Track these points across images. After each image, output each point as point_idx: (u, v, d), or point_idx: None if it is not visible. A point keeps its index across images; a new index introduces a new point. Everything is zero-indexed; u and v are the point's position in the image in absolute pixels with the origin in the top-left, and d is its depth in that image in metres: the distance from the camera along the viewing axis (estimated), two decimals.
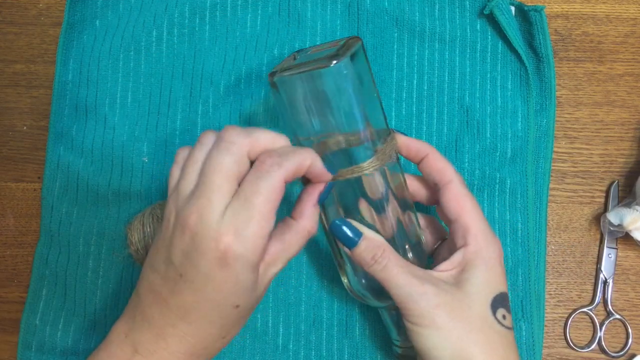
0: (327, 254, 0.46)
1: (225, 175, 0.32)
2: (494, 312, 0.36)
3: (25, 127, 0.50)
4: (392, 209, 0.39)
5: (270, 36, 0.49)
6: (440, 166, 0.39)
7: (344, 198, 0.39)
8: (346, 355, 0.45)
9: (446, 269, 0.37)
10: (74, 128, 0.48)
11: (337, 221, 0.37)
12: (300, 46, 0.49)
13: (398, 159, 0.40)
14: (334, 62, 0.33)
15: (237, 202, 0.31)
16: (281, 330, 0.45)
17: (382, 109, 0.38)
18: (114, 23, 0.49)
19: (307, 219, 0.35)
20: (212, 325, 0.34)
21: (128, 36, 0.49)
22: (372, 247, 0.36)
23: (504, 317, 0.36)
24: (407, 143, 0.40)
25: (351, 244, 0.37)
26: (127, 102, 0.48)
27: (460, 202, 0.38)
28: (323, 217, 0.40)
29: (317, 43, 0.49)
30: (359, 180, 0.38)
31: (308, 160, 0.33)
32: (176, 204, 0.33)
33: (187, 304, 0.33)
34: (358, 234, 0.37)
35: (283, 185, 0.32)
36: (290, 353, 0.45)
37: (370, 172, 0.37)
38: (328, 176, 0.35)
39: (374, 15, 0.49)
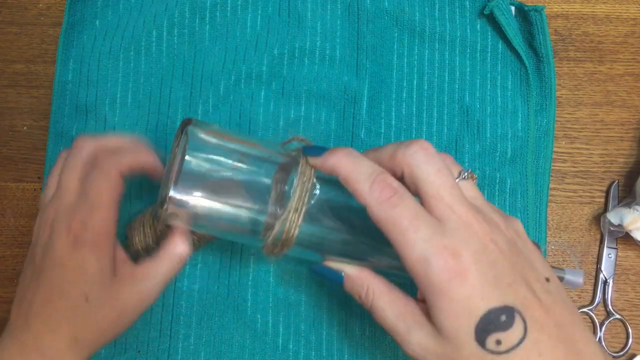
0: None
1: (72, 175, 0.37)
2: (484, 345, 0.29)
3: (25, 127, 0.50)
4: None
5: (271, 36, 0.49)
6: (351, 179, 0.32)
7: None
8: (346, 356, 0.45)
9: (421, 298, 0.32)
10: (74, 128, 0.48)
11: (314, 267, 0.36)
12: (301, 46, 0.49)
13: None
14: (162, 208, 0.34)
15: (80, 197, 0.36)
16: (281, 330, 0.45)
17: (269, 142, 0.36)
18: (114, 23, 0.49)
19: (175, 245, 0.38)
20: (65, 321, 0.35)
21: (128, 36, 0.49)
22: (356, 287, 0.34)
23: (497, 342, 0.29)
24: (318, 165, 0.34)
25: (338, 284, 0.35)
26: (127, 102, 0.48)
27: (385, 220, 0.31)
28: None
29: (318, 43, 0.49)
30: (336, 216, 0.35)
31: (142, 155, 0.38)
32: (43, 206, 0.38)
33: (42, 300, 0.35)
34: (339, 276, 0.35)
35: (117, 178, 0.36)
36: (290, 353, 0.45)
37: (313, 175, 0.33)
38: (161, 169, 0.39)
39: (374, 15, 0.49)
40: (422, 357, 0.31)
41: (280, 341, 0.45)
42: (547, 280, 0.31)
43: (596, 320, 0.48)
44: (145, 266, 0.37)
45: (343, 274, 0.35)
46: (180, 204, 0.33)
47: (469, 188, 0.33)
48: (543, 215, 0.48)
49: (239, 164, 0.34)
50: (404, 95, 0.49)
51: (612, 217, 0.46)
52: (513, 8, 0.49)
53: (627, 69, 0.51)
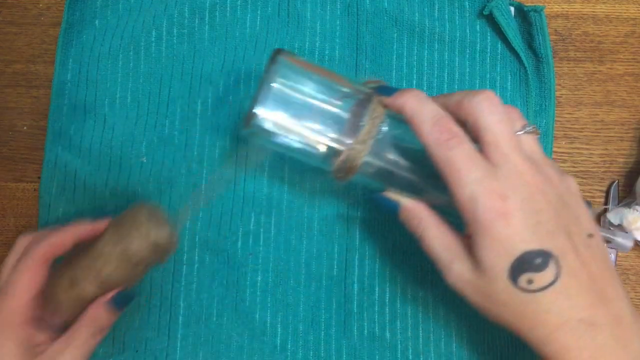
0: (327, 255, 0.46)
1: (5, 268, 0.39)
2: (516, 281, 0.32)
3: (25, 127, 0.50)
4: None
5: (270, 36, 0.49)
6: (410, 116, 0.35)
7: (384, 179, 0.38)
8: (344, 356, 0.45)
9: (467, 234, 0.34)
10: (72, 127, 0.48)
11: (374, 196, 0.38)
12: (300, 46, 0.49)
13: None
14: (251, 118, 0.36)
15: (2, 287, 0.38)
16: (279, 330, 0.45)
17: (347, 78, 0.38)
18: (114, 23, 0.49)
19: (86, 322, 0.38)
20: None
21: (127, 36, 0.49)
22: (408, 218, 0.37)
23: (529, 281, 0.32)
24: (388, 103, 0.36)
25: (394, 212, 0.37)
26: (127, 102, 0.48)
27: (441, 158, 0.33)
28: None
29: (317, 43, 0.49)
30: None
31: (68, 236, 0.39)
32: None
33: None
34: (395, 206, 0.37)
35: (36, 264, 0.38)
36: (289, 353, 0.45)
37: (383, 111, 0.36)
38: (95, 228, 0.40)
39: (374, 15, 0.49)
40: (460, 286, 0.34)
41: (279, 341, 0.45)
42: (590, 236, 0.33)
43: None
44: (54, 349, 0.38)
45: (400, 204, 0.37)
46: (262, 121, 0.36)
47: (530, 142, 0.34)
48: None
49: (320, 95, 0.37)
50: None
51: (612, 217, 0.46)
52: (512, 8, 0.49)
53: (627, 69, 0.51)
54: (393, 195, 0.38)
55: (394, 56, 0.49)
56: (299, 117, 0.36)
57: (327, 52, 0.49)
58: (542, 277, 0.32)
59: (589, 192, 0.49)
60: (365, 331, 0.46)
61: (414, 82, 0.49)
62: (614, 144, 0.50)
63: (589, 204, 0.36)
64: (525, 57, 0.48)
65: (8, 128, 0.50)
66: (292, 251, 0.46)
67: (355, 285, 0.46)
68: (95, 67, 0.48)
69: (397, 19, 0.49)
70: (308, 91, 0.37)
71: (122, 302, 0.39)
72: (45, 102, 0.50)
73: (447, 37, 0.49)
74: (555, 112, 0.49)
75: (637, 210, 0.45)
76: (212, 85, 0.48)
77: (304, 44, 0.49)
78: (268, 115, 0.36)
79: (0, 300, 0.37)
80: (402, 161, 0.37)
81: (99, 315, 0.38)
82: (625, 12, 0.52)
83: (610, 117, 0.50)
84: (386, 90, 0.36)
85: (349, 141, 0.36)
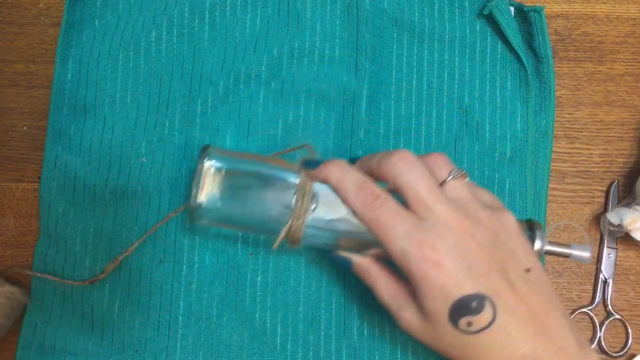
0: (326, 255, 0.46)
1: None
2: (457, 325, 0.33)
3: (25, 127, 0.50)
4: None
5: (270, 36, 0.49)
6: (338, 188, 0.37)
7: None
8: (344, 356, 0.45)
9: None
10: (72, 127, 0.48)
11: (329, 255, 0.41)
12: (300, 46, 0.49)
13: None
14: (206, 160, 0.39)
15: None
16: (279, 330, 0.45)
17: (276, 158, 0.41)
18: (114, 23, 0.49)
19: None
20: None
21: (127, 36, 0.49)
22: (360, 272, 0.39)
23: (469, 324, 0.33)
24: (314, 176, 0.38)
25: (347, 268, 0.40)
26: (127, 102, 0.48)
27: (367, 216, 0.35)
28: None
29: (317, 43, 0.49)
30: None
31: None
32: None
33: None
34: (347, 263, 0.40)
35: None
36: (288, 353, 0.45)
37: (301, 222, 0.38)
38: None
39: (374, 15, 0.49)
40: (410, 331, 0.36)
41: (279, 341, 0.45)
42: (528, 270, 0.34)
43: (596, 320, 0.48)
44: None
45: (351, 260, 0.40)
46: (203, 216, 0.39)
47: (456, 187, 0.36)
48: (542, 216, 0.48)
49: (253, 179, 0.40)
50: (403, 95, 0.49)
51: (612, 217, 0.46)
52: (512, 8, 0.49)
53: (627, 69, 0.51)
54: (344, 253, 0.40)
55: (394, 56, 0.49)
56: (237, 207, 0.39)
57: (327, 52, 0.49)
58: (480, 319, 0.33)
59: (589, 192, 0.49)
60: (365, 331, 0.46)
61: (414, 82, 0.49)
62: (614, 144, 0.50)
63: (535, 228, 0.39)
64: (525, 57, 0.48)
65: (8, 128, 0.50)
66: (292, 251, 0.46)
67: (355, 285, 0.46)
68: (95, 67, 0.48)
69: (397, 19, 0.49)
70: (242, 180, 0.40)
71: None
72: (46, 102, 0.50)
73: (447, 37, 0.49)
74: (555, 112, 0.49)
75: (637, 210, 0.45)
76: (212, 85, 0.48)
77: (304, 44, 0.49)
78: (206, 213, 0.39)
79: None
80: (341, 224, 0.38)
81: None
82: (625, 12, 0.52)
83: (610, 117, 0.50)
84: (311, 164, 0.38)
85: (285, 219, 0.38)
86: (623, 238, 0.48)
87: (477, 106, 0.48)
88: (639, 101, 0.51)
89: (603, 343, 0.47)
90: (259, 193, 0.39)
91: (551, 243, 0.40)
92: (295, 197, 0.38)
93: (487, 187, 0.47)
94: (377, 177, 0.37)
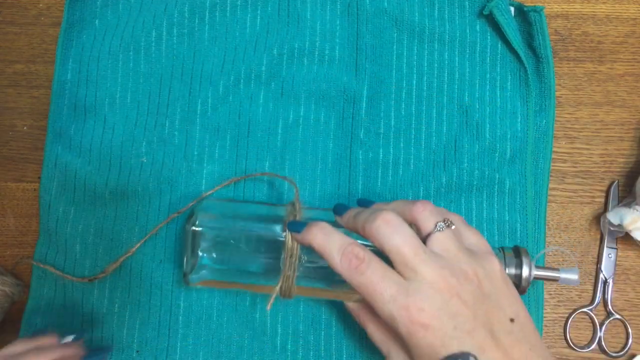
0: None
1: None
2: None
3: (25, 127, 0.50)
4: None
5: (270, 36, 0.49)
6: (322, 250, 0.38)
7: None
8: (344, 356, 0.45)
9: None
10: (72, 127, 0.48)
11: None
12: (300, 46, 0.49)
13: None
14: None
15: None
16: (279, 330, 0.45)
17: (258, 222, 0.41)
18: (114, 23, 0.49)
19: None
20: None
21: (127, 36, 0.49)
22: (354, 316, 0.41)
23: None
24: (299, 240, 0.39)
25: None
26: (127, 102, 0.48)
27: (359, 283, 0.35)
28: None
29: (317, 43, 0.49)
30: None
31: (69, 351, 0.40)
32: None
33: None
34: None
35: None
36: (289, 353, 0.45)
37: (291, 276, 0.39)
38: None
39: (374, 15, 0.49)
40: None
41: (279, 341, 0.45)
42: (512, 320, 0.35)
43: (596, 320, 0.48)
44: None
45: (346, 305, 0.42)
46: (196, 275, 0.40)
47: (442, 239, 0.36)
48: (542, 216, 0.48)
49: (242, 236, 0.40)
50: (403, 95, 0.49)
51: (612, 217, 0.46)
52: (512, 8, 0.49)
53: (627, 69, 0.51)
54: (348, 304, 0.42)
55: (394, 56, 0.49)
56: (229, 264, 0.40)
57: (327, 52, 0.49)
58: None
59: (589, 192, 0.49)
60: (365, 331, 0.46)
61: (414, 82, 0.49)
62: (614, 144, 0.50)
63: (522, 255, 0.40)
64: (525, 57, 0.48)
65: (8, 128, 0.50)
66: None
67: None
68: (95, 67, 0.48)
69: (397, 19, 0.49)
70: (230, 239, 0.40)
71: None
72: (46, 102, 0.50)
73: (447, 37, 0.49)
74: (555, 112, 0.49)
75: (637, 210, 0.45)
76: (212, 85, 0.48)
77: (304, 44, 0.49)
78: (199, 277, 0.40)
79: None
80: (329, 280, 0.40)
81: None
82: (625, 12, 0.52)
83: (610, 117, 0.50)
84: (295, 226, 0.39)
85: (275, 279, 0.39)
86: (623, 238, 0.48)
87: (477, 106, 0.48)
88: (639, 101, 0.51)
89: (603, 343, 0.47)
90: (249, 249, 0.40)
91: (539, 268, 0.40)
92: (282, 258, 0.39)
93: (487, 187, 0.47)
94: (362, 236, 0.37)
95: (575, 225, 0.49)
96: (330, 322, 0.46)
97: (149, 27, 0.49)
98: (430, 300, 0.34)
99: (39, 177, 0.48)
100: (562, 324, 0.48)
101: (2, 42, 0.51)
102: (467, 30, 0.49)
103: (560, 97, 0.51)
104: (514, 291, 0.37)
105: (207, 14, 0.49)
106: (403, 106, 0.49)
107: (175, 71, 0.48)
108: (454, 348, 0.33)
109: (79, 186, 0.47)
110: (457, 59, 0.49)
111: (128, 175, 0.47)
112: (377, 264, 0.35)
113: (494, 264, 0.36)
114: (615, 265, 0.48)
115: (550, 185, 0.49)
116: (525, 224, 0.47)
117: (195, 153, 0.47)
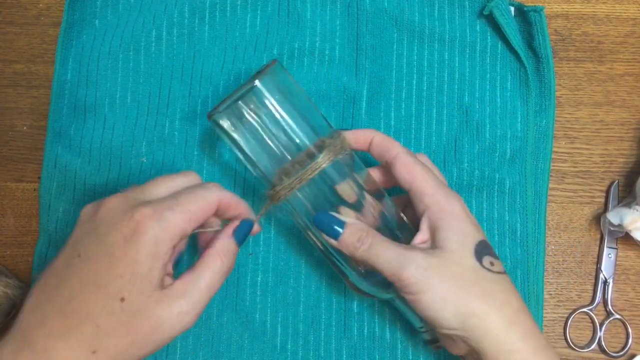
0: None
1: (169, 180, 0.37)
2: (481, 261, 0.36)
3: (25, 127, 0.50)
4: (370, 204, 0.40)
5: (270, 36, 0.49)
6: (385, 144, 0.40)
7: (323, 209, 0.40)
8: (344, 356, 0.45)
9: (422, 239, 0.38)
10: (72, 127, 0.48)
11: (319, 214, 0.39)
12: (300, 46, 0.49)
13: (352, 155, 0.40)
14: (257, 81, 0.37)
15: (170, 197, 0.35)
16: (279, 330, 0.45)
17: (322, 114, 0.40)
18: (114, 23, 0.49)
19: (217, 252, 0.36)
20: (88, 322, 0.31)
21: (127, 36, 0.49)
22: (356, 231, 0.38)
23: (491, 263, 0.36)
24: (353, 135, 0.41)
25: (336, 234, 0.38)
26: (127, 101, 0.48)
27: (410, 170, 0.39)
28: (312, 235, 0.41)
29: (317, 43, 0.49)
30: (332, 190, 0.39)
31: (238, 207, 0.38)
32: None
33: (72, 292, 0.32)
34: (341, 224, 0.38)
35: (213, 205, 0.36)
36: (289, 353, 0.45)
37: (327, 164, 0.38)
38: (240, 208, 0.38)
39: (374, 15, 0.49)
40: (425, 277, 0.35)
41: (279, 341, 0.45)
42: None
43: (596, 320, 0.48)
44: (184, 281, 0.34)
45: (346, 221, 0.38)
46: (229, 118, 0.39)
47: None
48: (542, 216, 0.48)
49: (286, 125, 0.39)
50: (404, 95, 0.49)
51: (612, 217, 0.46)
52: (512, 8, 0.49)
53: (627, 69, 0.51)
54: (338, 215, 0.39)
55: (394, 56, 0.49)
56: (264, 132, 0.39)
57: (327, 52, 0.49)
58: (499, 263, 0.37)
59: (589, 192, 0.49)
60: (365, 331, 0.46)
61: (414, 82, 0.49)
62: (614, 144, 0.50)
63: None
64: (525, 57, 0.48)
65: (8, 128, 0.50)
66: (292, 251, 0.46)
67: None
68: (95, 67, 0.48)
69: (397, 19, 0.49)
70: (278, 116, 0.38)
71: (243, 232, 0.38)
72: (46, 102, 0.50)
73: (447, 37, 0.49)
74: (555, 112, 0.49)
75: (637, 210, 0.45)
76: (212, 85, 0.48)
77: (304, 44, 0.49)
78: (222, 119, 0.38)
79: (167, 207, 0.33)
80: (361, 191, 0.40)
81: (227, 245, 0.36)
82: (625, 12, 0.52)
83: (610, 117, 0.50)
84: (323, 224, 0.39)
85: (286, 177, 0.38)
86: (623, 238, 0.48)
87: (477, 106, 0.48)
88: (639, 101, 0.51)
89: (603, 343, 0.47)
90: (283, 137, 0.39)
91: None
92: (304, 166, 0.38)
93: (487, 187, 0.47)
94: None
95: (575, 225, 0.49)
96: (330, 322, 0.46)
97: (149, 27, 0.49)
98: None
99: (39, 177, 0.48)
100: (562, 324, 0.48)
101: (2, 42, 0.51)
102: (467, 30, 0.49)
103: (560, 97, 0.51)
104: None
105: (207, 14, 0.49)
106: (403, 106, 0.49)
107: (175, 71, 0.48)
108: (483, 237, 0.38)
109: (79, 186, 0.47)
110: (457, 59, 0.49)
111: (128, 175, 0.47)
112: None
113: None
114: (615, 265, 0.48)
115: (550, 185, 0.49)
116: (525, 224, 0.47)
117: (195, 153, 0.47)
